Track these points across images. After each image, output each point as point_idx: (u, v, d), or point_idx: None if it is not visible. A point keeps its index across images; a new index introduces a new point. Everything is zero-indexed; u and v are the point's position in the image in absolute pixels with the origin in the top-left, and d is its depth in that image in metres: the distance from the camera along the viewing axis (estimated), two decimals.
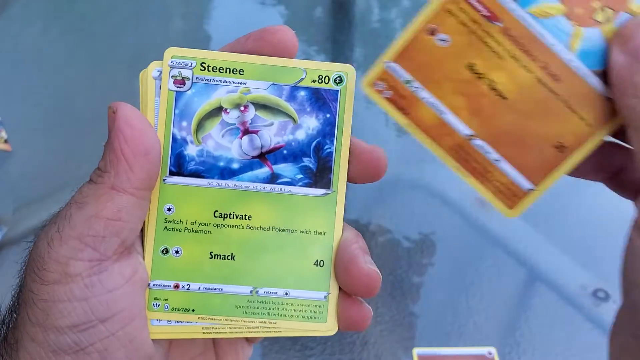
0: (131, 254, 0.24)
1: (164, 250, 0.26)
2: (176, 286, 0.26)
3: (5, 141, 0.84)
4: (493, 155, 0.24)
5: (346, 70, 0.26)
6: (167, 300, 0.26)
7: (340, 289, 0.26)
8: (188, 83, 0.26)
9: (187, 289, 0.26)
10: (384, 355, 0.66)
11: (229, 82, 0.26)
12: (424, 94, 0.24)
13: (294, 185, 0.26)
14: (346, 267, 0.25)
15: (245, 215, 0.26)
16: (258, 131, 0.26)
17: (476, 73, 0.23)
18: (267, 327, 0.26)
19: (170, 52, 0.26)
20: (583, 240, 0.77)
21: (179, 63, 0.26)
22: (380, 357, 0.66)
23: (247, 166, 0.26)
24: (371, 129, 0.89)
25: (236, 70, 0.26)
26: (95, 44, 1.01)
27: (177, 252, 0.26)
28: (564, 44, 0.23)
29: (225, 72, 0.26)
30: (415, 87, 0.24)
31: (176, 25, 1.07)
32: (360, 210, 0.78)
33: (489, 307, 0.71)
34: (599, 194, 0.80)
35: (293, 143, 0.26)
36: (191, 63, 0.26)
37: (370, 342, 0.66)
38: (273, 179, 0.26)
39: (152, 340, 0.25)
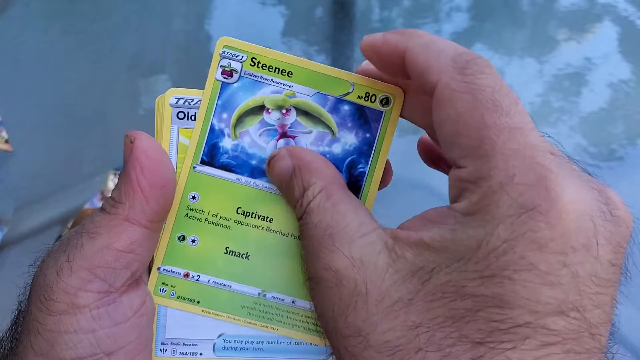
0: (139, 285, 0.24)
1: (181, 237, 0.25)
2: (186, 275, 0.25)
3: (6, 141, 0.84)
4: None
5: (394, 92, 0.25)
6: (174, 287, 0.25)
7: None
8: (235, 76, 0.25)
9: (197, 279, 0.25)
10: None
11: (276, 82, 0.25)
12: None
13: None
14: None
15: (267, 217, 0.25)
16: (295, 137, 0.26)
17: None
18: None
19: (223, 42, 0.25)
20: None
21: (230, 54, 0.25)
22: None
23: None
24: None
25: (285, 72, 0.25)
26: (96, 44, 1.01)
27: (193, 241, 0.25)
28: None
29: (275, 71, 0.25)
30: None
31: (177, 25, 1.06)
32: None
33: None
34: None
35: (327, 155, 0.26)
36: (242, 56, 0.25)
37: None
38: None
39: None
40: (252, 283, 0.26)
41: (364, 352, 0.19)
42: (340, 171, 0.26)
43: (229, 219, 0.25)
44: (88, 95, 0.93)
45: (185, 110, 0.25)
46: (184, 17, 1.08)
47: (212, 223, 0.25)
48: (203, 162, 0.25)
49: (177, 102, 0.25)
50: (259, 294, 0.26)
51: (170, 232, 0.25)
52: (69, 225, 0.76)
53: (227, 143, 0.25)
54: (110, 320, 0.22)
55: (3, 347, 0.24)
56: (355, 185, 0.26)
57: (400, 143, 0.98)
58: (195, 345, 0.26)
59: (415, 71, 0.22)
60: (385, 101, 0.25)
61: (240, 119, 0.25)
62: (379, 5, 1.12)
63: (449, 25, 1.06)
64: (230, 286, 0.26)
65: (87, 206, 0.77)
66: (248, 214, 0.25)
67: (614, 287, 0.19)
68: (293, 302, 0.26)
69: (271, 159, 0.25)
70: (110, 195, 0.23)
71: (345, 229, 0.21)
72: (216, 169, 0.25)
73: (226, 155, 0.25)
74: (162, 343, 0.25)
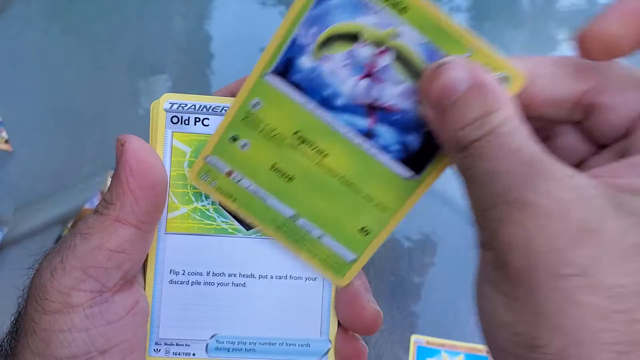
0: (133, 285, 0.24)
1: (234, 138, 0.24)
2: (229, 173, 0.25)
3: (6, 141, 0.84)
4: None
5: (516, 74, 0.21)
6: (216, 179, 0.25)
7: (338, 325, 0.26)
8: None
9: (238, 181, 0.25)
10: (384, 355, 0.66)
11: (384, 13, 0.21)
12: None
13: (386, 153, 0.23)
14: (349, 305, 0.26)
15: (323, 152, 0.24)
16: (382, 82, 0.22)
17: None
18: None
19: None
20: None
21: None
22: (381, 356, 0.66)
23: (350, 108, 0.23)
24: None
25: (400, 5, 0.21)
26: (96, 44, 1.01)
27: (244, 145, 0.24)
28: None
29: (404, 10, 0.21)
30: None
31: (177, 25, 1.06)
32: None
33: None
34: None
35: (410, 113, 0.23)
36: None
37: (371, 342, 0.66)
38: (369, 135, 0.23)
39: None
40: (288, 203, 0.25)
41: (588, 295, 0.16)
42: (417, 133, 0.23)
43: (284, 139, 0.24)
44: (88, 96, 0.93)
45: (179, 115, 0.26)
46: (184, 18, 1.08)
47: (267, 136, 0.24)
48: (275, 72, 0.23)
49: (171, 107, 0.25)
50: (291, 216, 0.25)
51: (224, 130, 0.24)
52: (69, 225, 0.76)
53: (305, 62, 0.22)
54: (103, 319, 0.22)
55: (4, 349, 0.24)
56: (426, 153, 0.23)
57: None
58: (188, 345, 0.26)
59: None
60: (503, 80, 0.21)
61: (328, 40, 0.22)
62: None
63: None
64: (266, 199, 0.25)
65: (87, 206, 0.77)
66: (304, 142, 0.24)
67: None
68: (319, 237, 0.25)
69: (438, 66, 0.20)
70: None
71: (556, 163, 0.18)
72: (286, 85, 0.23)
73: (300, 75, 0.23)
74: (156, 343, 0.26)
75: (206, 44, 1.01)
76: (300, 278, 0.26)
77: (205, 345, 0.26)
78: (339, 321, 0.26)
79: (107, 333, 0.22)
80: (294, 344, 0.26)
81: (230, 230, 0.26)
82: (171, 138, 0.25)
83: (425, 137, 0.23)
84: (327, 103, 0.23)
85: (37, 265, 0.23)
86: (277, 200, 0.25)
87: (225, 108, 0.25)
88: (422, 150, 0.23)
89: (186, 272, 0.26)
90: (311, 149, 0.24)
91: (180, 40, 1.03)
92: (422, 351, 0.68)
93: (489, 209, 0.18)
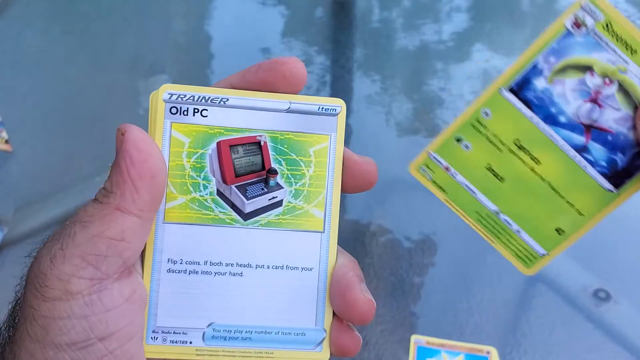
0: (131, 274, 0.24)
1: (459, 139, 0.28)
2: (447, 168, 0.29)
3: (6, 141, 0.84)
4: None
5: None
6: (432, 171, 0.29)
7: (333, 314, 0.27)
8: (583, 30, 0.26)
9: (454, 176, 0.29)
10: (384, 356, 0.66)
11: (616, 53, 0.26)
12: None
13: (594, 167, 0.28)
14: (343, 295, 0.26)
15: (537, 159, 0.28)
16: (604, 107, 0.27)
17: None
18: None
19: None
20: (584, 240, 0.76)
21: (589, 9, 0.26)
22: (382, 357, 0.66)
23: (570, 126, 0.27)
24: (372, 129, 0.89)
25: (631, 48, 0.26)
26: (96, 44, 1.01)
27: (467, 146, 0.28)
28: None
29: (621, 42, 0.26)
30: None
31: (177, 26, 1.07)
32: (361, 210, 0.78)
33: (489, 308, 0.71)
34: None
35: (622, 137, 0.27)
36: (600, 16, 0.26)
37: (371, 343, 0.66)
38: (582, 150, 0.27)
39: (147, 359, 0.25)
40: (494, 201, 0.29)
41: None
42: (624, 155, 0.28)
43: (504, 144, 0.28)
44: (88, 96, 0.93)
45: (178, 106, 0.26)
46: (183, 18, 1.08)
47: (490, 141, 0.28)
48: (510, 90, 0.27)
49: (170, 98, 0.26)
50: (495, 211, 0.29)
51: (453, 131, 0.28)
52: None
53: (539, 83, 0.27)
54: (102, 307, 0.22)
55: (2, 337, 0.24)
56: (628, 172, 0.27)
57: (400, 143, 0.98)
58: (185, 333, 0.26)
59: None
60: None
61: (564, 69, 0.27)
62: (379, 6, 1.12)
63: (449, 26, 1.06)
64: (475, 193, 0.29)
65: None
66: (522, 148, 0.28)
67: None
68: (518, 231, 0.29)
69: None
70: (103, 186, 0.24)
71: None
72: (518, 100, 0.27)
73: (532, 93, 0.27)
74: (153, 331, 0.26)
75: (206, 44, 1.01)
76: (297, 268, 0.27)
77: (202, 333, 0.26)
78: (334, 311, 0.27)
79: (105, 320, 0.22)
80: (290, 333, 0.27)
81: (228, 221, 0.26)
82: (170, 128, 0.26)
83: (630, 158, 0.27)
84: (550, 119, 0.27)
85: (36, 253, 0.23)
86: (485, 196, 0.29)
87: (224, 99, 0.26)
88: (625, 169, 0.27)
89: (184, 262, 0.26)
90: (527, 156, 0.28)
91: (180, 40, 1.03)
92: (422, 351, 0.68)
93: None
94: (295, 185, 0.27)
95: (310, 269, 0.27)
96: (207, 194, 0.26)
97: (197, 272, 0.26)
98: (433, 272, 0.74)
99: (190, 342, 0.26)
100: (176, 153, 0.26)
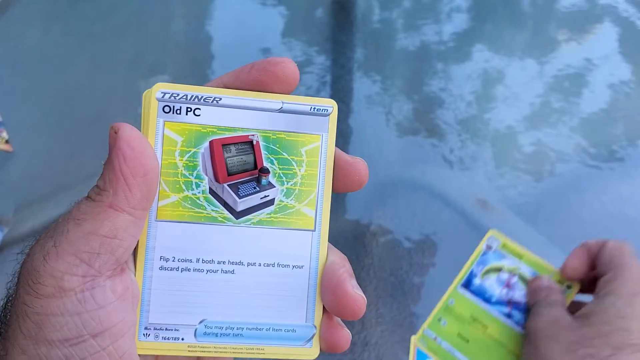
0: (124, 271, 0.25)
1: (439, 319, 0.48)
2: (435, 338, 0.48)
3: (7, 142, 0.84)
4: None
5: (574, 285, 0.52)
6: (427, 342, 0.49)
7: (323, 311, 0.27)
8: (492, 249, 0.51)
9: (439, 343, 0.48)
10: (385, 356, 0.66)
11: (512, 259, 0.49)
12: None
13: (517, 325, 0.47)
14: (334, 291, 0.26)
15: (485, 326, 0.47)
16: (514, 290, 0.48)
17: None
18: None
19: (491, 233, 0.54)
20: (583, 240, 0.76)
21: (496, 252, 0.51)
22: (382, 357, 0.66)
23: (498, 303, 0.48)
24: (372, 129, 0.89)
25: (519, 255, 0.49)
26: (96, 45, 1.01)
27: (444, 323, 0.48)
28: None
29: (513, 253, 0.49)
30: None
31: (177, 26, 1.07)
32: (361, 210, 0.78)
33: None
34: (600, 194, 0.80)
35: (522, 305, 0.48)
36: (499, 241, 0.51)
37: (372, 343, 0.66)
38: (508, 315, 0.47)
39: (139, 355, 0.25)
40: (466, 354, 0.47)
41: None
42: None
43: (465, 319, 0.48)
44: (88, 96, 0.93)
45: (171, 105, 0.26)
46: (184, 18, 1.08)
47: (456, 317, 0.48)
48: (463, 285, 0.49)
49: (163, 97, 0.26)
50: None
51: (435, 314, 0.48)
52: None
53: (476, 280, 0.49)
54: (94, 304, 0.23)
55: None
56: None
57: (400, 143, 0.98)
58: (177, 330, 0.26)
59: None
60: (567, 288, 0.47)
61: (487, 272, 0.49)
62: (379, 6, 1.12)
63: (449, 26, 1.06)
64: (454, 353, 0.47)
65: None
66: (475, 320, 0.48)
67: None
68: None
69: (532, 281, 0.48)
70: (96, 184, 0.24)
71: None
72: (467, 291, 0.49)
73: (474, 286, 0.49)
74: (145, 328, 0.26)
75: (206, 45, 1.01)
76: (288, 266, 0.27)
77: (194, 330, 0.26)
78: (324, 307, 0.27)
79: (98, 317, 0.23)
80: (281, 329, 0.27)
81: (220, 219, 0.27)
82: (163, 127, 0.26)
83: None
84: (486, 300, 0.48)
85: (28, 250, 0.24)
86: (460, 353, 0.47)
87: (217, 99, 0.26)
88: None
89: (176, 259, 0.26)
90: (479, 324, 0.47)
91: (180, 41, 1.03)
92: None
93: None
94: (287, 184, 0.27)
95: (301, 267, 0.27)
96: (199, 193, 0.26)
97: (189, 270, 0.26)
98: (433, 272, 0.74)
99: (182, 339, 0.26)
100: (169, 152, 0.26)
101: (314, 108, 0.27)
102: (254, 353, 0.27)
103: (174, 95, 0.26)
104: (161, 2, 1.11)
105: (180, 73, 0.98)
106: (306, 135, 0.27)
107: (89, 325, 0.22)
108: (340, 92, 0.97)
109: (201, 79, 0.95)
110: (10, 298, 0.24)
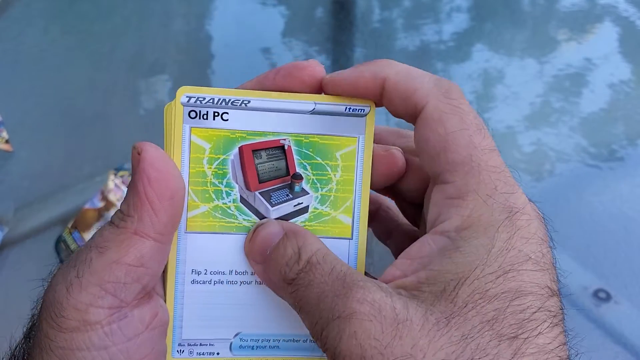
0: (152, 297, 0.23)
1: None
2: None
3: (7, 141, 0.84)
4: None
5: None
6: None
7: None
8: None
9: None
10: None
11: None
12: None
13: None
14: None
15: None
16: None
17: None
18: None
19: None
20: (583, 240, 0.76)
21: None
22: None
23: None
24: None
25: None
26: (96, 44, 1.01)
27: None
28: None
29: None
30: None
31: (177, 26, 1.06)
32: None
33: None
34: (600, 193, 0.80)
35: None
36: None
37: None
38: None
39: None
40: None
41: None
42: None
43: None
44: (88, 96, 0.93)
45: (197, 109, 0.24)
46: (184, 18, 1.08)
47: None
48: None
49: (188, 101, 0.24)
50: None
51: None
52: (69, 225, 0.76)
53: None
54: (122, 336, 0.22)
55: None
56: None
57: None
58: (212, 345, 0.25)
59: (398, 96, 0.24)
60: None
61: None
62: (379, 6, 1.12)
63: (449, 26, 1.06)
64: None
65: (87, 206, 0.77)
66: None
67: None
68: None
69: (257, 227, 0.25)
70: (118, 206, 0.23)
71: (360, 274, 0.22)
72: None
73: None
74: (179, 344, 0.25)
75: (206, 44, 1.01)
76: None
77: (229, 344, 0.25)
78: None
79: (126, 350, 0.22)
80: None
81: None
82: (189, 134, 0.24)
83: None
84: None
85: (51, 279, 0.22)
86: None
87: (245, 101, 0.24)
88: None
89: (208, 272, 0.25)
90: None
91: (180, 40, 1.03)
92: None
93: (325, 329, 0.21)
94: (322, 190, 0.26)
95: None
96: (230, 202, 0.25)
97: (222, 282, 0.25)
98: None
99: (218, 353, 0.25)
100: (197, 159, 0.25)
101: (349, 108, 0.25)
102: None
103: (199, 99, 0.24)
104: (161, 2, 1.10)
105: (180, 73, 0.98)
106: (341, 138, 0.25)
107: (118, 358, 0.21)
108: None
109: (201, 79, 0.95)
110: (33, 326, 0.23)
